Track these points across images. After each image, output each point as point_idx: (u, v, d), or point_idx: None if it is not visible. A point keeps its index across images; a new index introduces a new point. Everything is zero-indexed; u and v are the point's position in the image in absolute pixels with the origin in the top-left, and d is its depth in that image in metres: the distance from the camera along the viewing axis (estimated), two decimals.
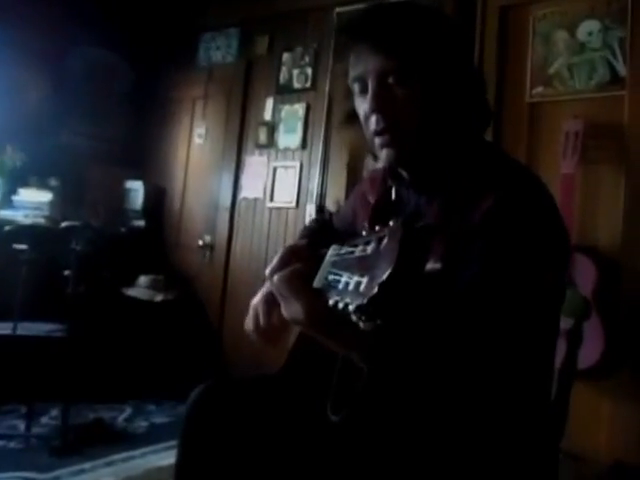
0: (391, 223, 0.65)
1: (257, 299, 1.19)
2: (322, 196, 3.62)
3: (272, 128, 3.92)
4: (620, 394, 2.36)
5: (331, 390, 0.90)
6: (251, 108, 4.11)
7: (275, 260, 0.97)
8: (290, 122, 3.83)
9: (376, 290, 0.60)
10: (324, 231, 1.47)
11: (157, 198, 4.51)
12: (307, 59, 3.78)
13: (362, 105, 1.07)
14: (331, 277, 0.76)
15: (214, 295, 4.08)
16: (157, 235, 4.47)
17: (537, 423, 1.05)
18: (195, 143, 4.45)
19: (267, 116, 3.98)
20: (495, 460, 0.97)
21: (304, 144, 3.76)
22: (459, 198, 1.01)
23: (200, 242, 4.21)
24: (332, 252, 0.81)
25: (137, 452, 2.79)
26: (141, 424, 3.21)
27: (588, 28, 2.61)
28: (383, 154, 1.07)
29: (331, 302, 0.69)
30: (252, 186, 4.01)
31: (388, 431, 0.97)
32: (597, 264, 2.34)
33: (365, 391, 0.85)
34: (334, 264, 0.77)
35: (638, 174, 2.43)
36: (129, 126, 4.57)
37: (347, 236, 0.83)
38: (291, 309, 0.85)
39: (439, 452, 0.95)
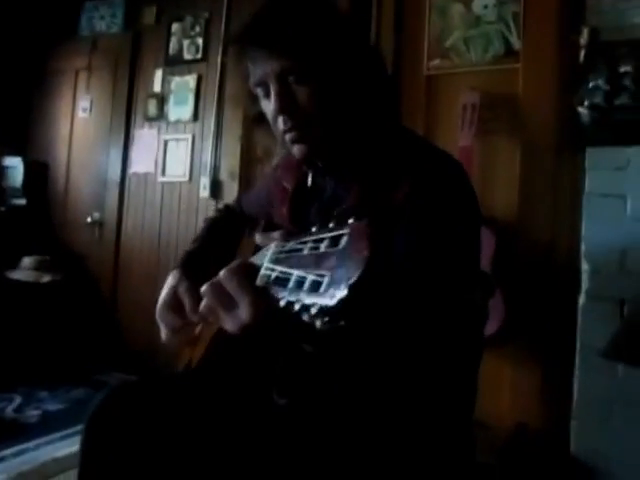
0: (350, 221, 0.58)
1: (160, 309, 1.11)
2: (216, 169, 3.41)
3: (162, 100, 3.65)
4: (520, 359, 2.36)
5: (275, 373, 0.80)
6: (139, 80, 3.80)
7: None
8: (181, 94, 3.57)
9: (346, 292, 0.53)
10: (223, 227, 1.39)
11: (39, 175, 4.10)
12: (197, 29, 3.53)
13: (268, 107, 1.04)
14: (275, 274, 0.65)
15: (106, 273, 3.79)
16: (41, 213, 4.06)
17: (462, 394, 1.02)
18: (79, 116, 4.07)
19: (156, 88, 3.69)
20: (424, 438, 0.94)
21: (196, 116, 3.52)
22: (377, 182, 0.98)
23: (89, 219, 3.87)
24: (274, 249, 0.69)
25: (30, 444, 2.48)
26: (33, 413, 2.87)
27: (483, 2, 2.55)
28: (295, 149, 1.04)
29: (283, 302, 0.60)
30: (142, 160, 3.72)
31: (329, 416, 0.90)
32: (496, 234, 2.29)
33: (313, 373, 0.78)
34: (277, 261, 0.66)
35: (532, 145, 2.40)
36: (5, 99, 4.06)
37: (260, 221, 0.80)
38: (234, 312, 0.72)
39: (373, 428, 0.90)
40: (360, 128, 1.05)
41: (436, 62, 2.64)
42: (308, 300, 0.56)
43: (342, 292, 0.53)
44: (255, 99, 1.08)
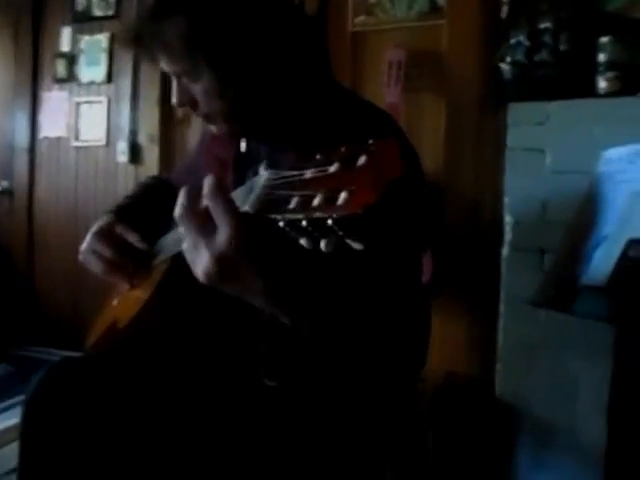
0: (370, 141, 0.51)
1: (92, 238, 1.05)
2: (134, 132, 3.25)
3: (72, 60, 3.41)
4: (449, 311, 2.41)
5: (260, 355, 0.76)
6: (45, 39, 3.54)
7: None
8: (92, 54, 3.34)
9: (375, 196, 0.47)
10: (157, 188, 1.34)
11: None
12: None
13: None
14: (269, 198, 0.57)
15: (19, 244, 3.57)
16: None
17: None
18: None
19: (65, 47, 3.45)
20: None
21: (110, 77, 3.32)
22: (316, 143, 0.89)
23: None
24: (266, 176, 0.61)
25: None
26: None
27: None
28: (213, 128, 1.00)
29: (282, 222, 0.52)
30: (53, 124, 3.49)
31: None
32: None
33: (302, 351, 0.73)
34: (272, 187, 0.58)
35: (456, 101, 2.43)
36: None
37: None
38: (211, 237, 0.63)
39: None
40: (285, 93, 0.99)
41: (361, 18, 2.60)
42: (319, 214, 0.49)
43: (370, 198, 0.47)
44: None
